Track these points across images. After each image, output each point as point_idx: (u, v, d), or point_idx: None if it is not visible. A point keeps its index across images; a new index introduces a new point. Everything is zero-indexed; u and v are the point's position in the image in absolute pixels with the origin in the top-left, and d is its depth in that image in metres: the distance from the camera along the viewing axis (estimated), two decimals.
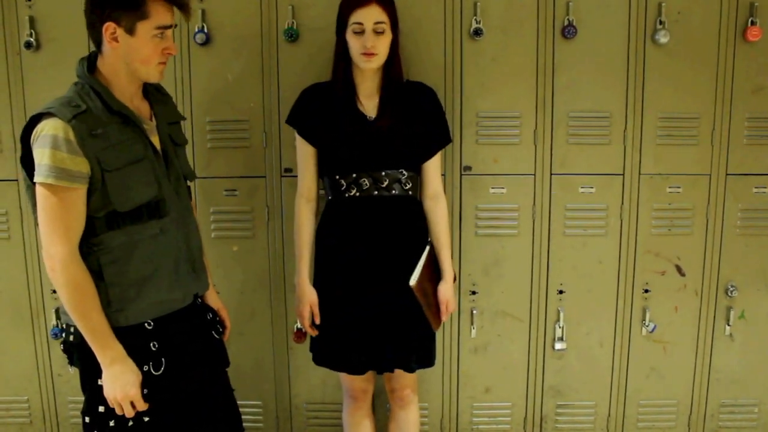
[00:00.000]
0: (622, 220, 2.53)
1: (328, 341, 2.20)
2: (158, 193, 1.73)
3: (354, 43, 2.04)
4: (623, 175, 2.51)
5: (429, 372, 2.50)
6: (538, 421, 2.69)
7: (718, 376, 2.65)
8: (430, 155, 2.19)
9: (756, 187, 2.51)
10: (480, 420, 2.69)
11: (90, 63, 1.71)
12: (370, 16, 2.01)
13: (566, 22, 2.39)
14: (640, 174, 2.50)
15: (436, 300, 2.21)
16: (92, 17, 1.66)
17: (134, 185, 1.68)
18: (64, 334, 1.77)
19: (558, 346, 2.59)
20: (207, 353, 1.89)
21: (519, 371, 2.65)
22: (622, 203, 2.52)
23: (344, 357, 2.19)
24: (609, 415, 2.68)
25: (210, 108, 2.47)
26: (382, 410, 2.56)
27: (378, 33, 2.02)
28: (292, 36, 2.40)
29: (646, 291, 2.58)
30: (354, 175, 2.12)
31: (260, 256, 2.56)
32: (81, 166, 1.61)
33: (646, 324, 2.58)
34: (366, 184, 2.12)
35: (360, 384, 2.29)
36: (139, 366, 1.70)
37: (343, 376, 2.29)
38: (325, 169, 2.18)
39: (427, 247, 2.18)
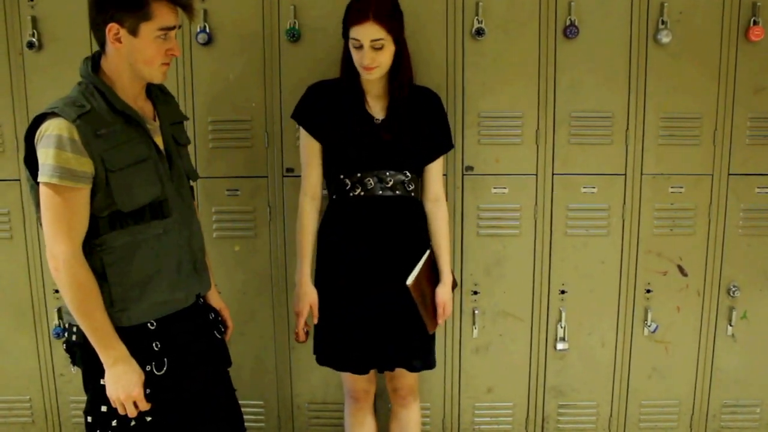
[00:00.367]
0: (624, 220, 2.53)
1: (331, 341, 2.20)
2: (161, 194, 1.73)
3: (354, 55, 2.04)
4: (625, 175, 2.50)
5: (431, 372, 2.50)
6: (540, 422, 2.69)
7: (720, 377, 2.65)
8: (432, 159, 2.19)
9: (758, 187, 2.51)
10: (482, 420, 2.69)
11: (94, 63, 1.71)
12: (367, 33, 1.97)
13: (568, 22, 2.39)
14: (642, 174, 2.50)
15: (434, 302, 2.21)
16: (96, 18, 1.66)
17: (138, 185, 1.68)
18: (66, 334, 1.77)
19: (560, 346, 2.59)
20: (209, 353, 1.89)
21: (521, 371, 2.65)
22: (624, 203, 2.52)
23: (347, 357, 2.19)
24: (611, 415, 2.68)
25: (212, 108, 2.48)
26: (383, 410, 2.56)
27: (376, 49, 1.99)
28: (294, 36, 2.40)
29: (648, 291, 2.58)
30: (359, 175, 2.12)
31: (262, 256, 2.57)
32: (85, 166, 1.61)
33: (648, 324, 2.58)
34: (371, 184, 2.12)
35: (362, 384, 2.29)
36: (142, 366, 1.70)
37: (346, 377, 2.29)
38: (329, 168, 2.18)
39: (428, 250, 2.19)
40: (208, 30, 2.41)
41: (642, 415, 2.68)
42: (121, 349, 1.67)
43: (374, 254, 2.14)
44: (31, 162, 1.66)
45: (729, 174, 2.50)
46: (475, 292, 2.59)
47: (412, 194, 2.18)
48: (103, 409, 1.72)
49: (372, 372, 2.26)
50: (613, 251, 2.55)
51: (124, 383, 1.67)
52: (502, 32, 2.42)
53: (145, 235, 1.71)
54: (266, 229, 2.55)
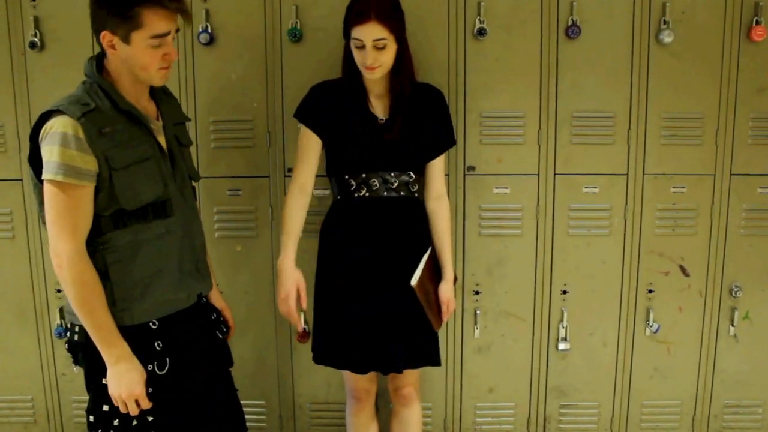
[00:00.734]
0: (625, 220, 2.53)
1: (330, 340, 2.20)
2: (164, 193, 1.74)
3: (356, 55, 2.03)
4: (627, 175, 2.50)
5: (432, 372, 2.50)
6: (542, 422, 2.69)
7: (722, 377, 2.65)
8: (434, 156, 2.19)
9: (761, 187, 2.51)
10: (483, 420, 2.69)
11: (98, 62, 1.72)
12: (370, 33, 1.97)
13: (570, 22, 2.39)
14: (644, 174, 2.50)
15: (437, 300, 2.21)
16: (91, 25, 1.68)
17: (141, 184, 1.69)
18: (68, 333, 1.78)
19: (561, 346, 2.59)
20: (211, 353, 1.89)
21: (522, 371, 2.65)
22: (626, 203, 2.52)
23: (347, 355, 2.18)
24: (612, 415, 2.68)
25: (213, 108, 2.48)
26: (384, 409, 2.56)
27: (379, 48, 1.99)
28: (296, 36, 2.40)
29: (650, 291, 2.58)
30: (363, 176, 2.12)
31: (264, 256, 2.57)
32: (90, 163, 1.61)
33: (650, 324, 2.58)
34: (376, 185, 2.12)
35: (363, 384, 2.29)
36: (144, 365, 1.71)
37: (347, 377, 2.29)
38: (333, 169, 2.18)
39: (429, 248, 2.19)
40: (209, 30, 2.41)
41: (644, 416, 2.68)
42: (124, 348, 1.68)
43: (376, 255, 2.13)
44: (35, 160, 1.66)
45: (731, 174, 2.50)
46: (477, 292, 2.59)
47: (416, 195, 2.18)
48: (105, 408, 1.73)
49: (373, 372, 2.25)
50: (615, 251, 2.55)
51: (127, 381, 1.67)
52: (504, 32, 2.42)
53: (148, 235, 1.71)
54: (268, 229, 2.55)
